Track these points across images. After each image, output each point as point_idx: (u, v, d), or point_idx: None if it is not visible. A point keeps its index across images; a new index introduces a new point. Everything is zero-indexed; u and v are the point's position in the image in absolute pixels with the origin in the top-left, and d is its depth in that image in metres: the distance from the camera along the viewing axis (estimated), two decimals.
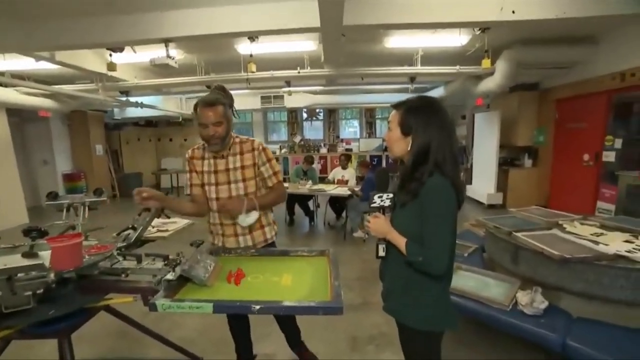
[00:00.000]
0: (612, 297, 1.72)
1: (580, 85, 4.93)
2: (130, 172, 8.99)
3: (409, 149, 1.10)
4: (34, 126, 7.21)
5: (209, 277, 1.20)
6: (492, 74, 5.12)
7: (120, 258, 1.33)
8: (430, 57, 5.21)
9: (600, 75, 4.54)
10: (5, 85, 5.41)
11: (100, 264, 1.29)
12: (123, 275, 1.25)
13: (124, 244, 1.55)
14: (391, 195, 1.15)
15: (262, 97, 8.64)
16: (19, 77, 4.88)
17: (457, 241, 3.04)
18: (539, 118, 6.04)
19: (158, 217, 1.80)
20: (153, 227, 2.01)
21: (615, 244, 1.97)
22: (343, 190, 4.90)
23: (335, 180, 5.53)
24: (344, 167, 5.53)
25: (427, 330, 1.12)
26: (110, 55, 3.77)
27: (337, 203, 5.37)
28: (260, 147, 1.64)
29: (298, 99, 8.37)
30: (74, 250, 1.20)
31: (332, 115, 10.59)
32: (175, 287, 1.16)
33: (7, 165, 5.91)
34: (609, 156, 4.56)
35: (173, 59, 3.53)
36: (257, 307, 0.99)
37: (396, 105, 1.16)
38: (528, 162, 6.19)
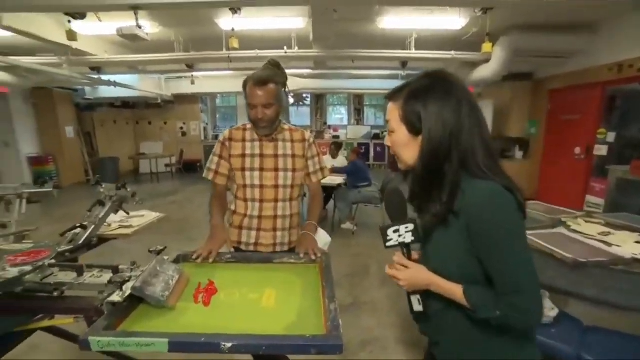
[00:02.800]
0: (630, 305, 1.57)
1: (576, 76, 4.80)
2: (106, 156, 8.43)
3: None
4: None
5: (169, 295, 0.94)
6: (487, 61, 4.92)
7: (55, 270, 1.04)
8: (423, 42, 4.96)
9: (597, 66, 4.41)
10: None
11: (28, 277, 1.00)
12: (56, 293, 0.96)
13: (70, 247, 1.25)
14: (411, 226, 0.81)
15: None
16: None
17: None
18: (532, 109, 5.92)
19: (115, 213, 1.50)
20: (110, 224, 1.70)
21: (628, 245, 1.83)
22: (331, 180, 4.67)
23: None
24: (334, 157, 5.27)
25: None
26: (69, 22, 3.30)
27: (324, 193, 5.14)
28: (311, 139, 1.50)
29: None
30: None
31: (319, 101, 10.25)
32: (123, 311, 0.89)
33: None
34: (601, 150, 4.48)
35: (143, 29, 3.12)
36: (229, 344, 0.74)
37: (392, 94, 0.82)
38: (519, 154, 6.09)
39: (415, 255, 0.89)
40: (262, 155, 1.42)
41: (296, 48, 4.78)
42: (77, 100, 8.10)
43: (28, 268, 1.01)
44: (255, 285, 1.08)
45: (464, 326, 0.78)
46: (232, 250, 1.42)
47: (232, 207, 1.48)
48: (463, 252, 0.74)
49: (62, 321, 1.05)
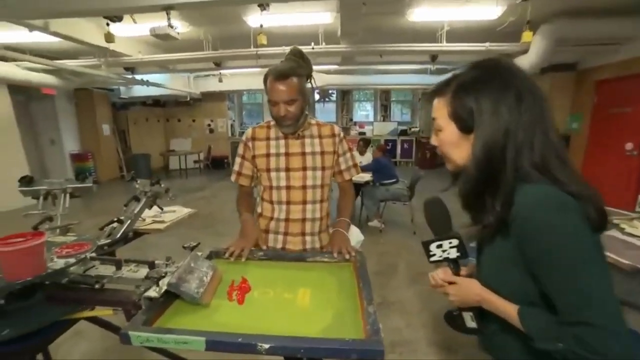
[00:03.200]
0: None
1: (629, 65, 4.41)
2: (138, 152, 8.81)
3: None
4: (40, 105, 7.00)
5: (203, 292, 0.93)
6: (525, 52, 4.63)
7: (96, 263, 1.07)
8: (455, 34, 4.74)
9: None
10: (5, 60, 5.18)
11: (72, 269, 1.04)
12: (97, 285, 0.99)
13: (108, 240, 1.29)
14: (456, 241, 0.75)
15: None
16: (19, 51, 4.61)
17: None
18: (574, 102, 5.53)
19: (150, 208, 1.53)
20: (144, 219, 1.74)
21: None
22: (360, 178, 4.60)
23: None
24: (362, 154, 5.19)
25: None
26: (108, 24, 3.45)
27: None
28: (341, 134, 1.39)
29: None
30: (31, 254, 0.94)
31: (345, 97, 10.14)
32: (160, 306, 0.89)
33: (12, 144, 5.74)
34: None
35: (175, 28, 3.19)
36: (266, 345, 0.72)
37: (438, 89, 0.74)
38: None
39: (464, 270, 0.81)
40: (287, 154, 1.32)
41: (323, 44, 4.73)
42: (113, 100, 8.51)
43: (72, 260, 1.04)
44: (288, 283, 1.05)
45: (526, 353, 0.68)
46: (265, 247, 1.38)
47: (259, 210, 1.40)
48: (513, 267, 0.66)
49: (102, 312, 1.08)
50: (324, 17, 4.29)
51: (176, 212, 1.96)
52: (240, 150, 1.40)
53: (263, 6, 3.14)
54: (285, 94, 1.20)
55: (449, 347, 2.12)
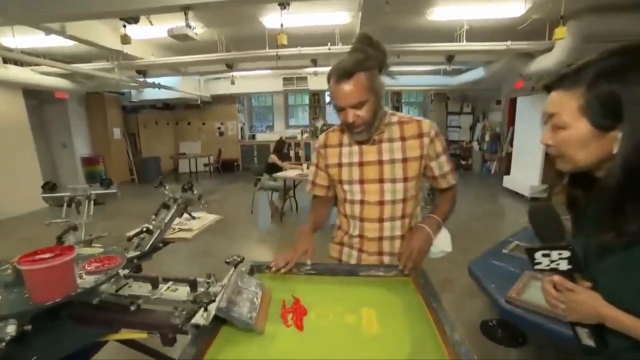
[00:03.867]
0: None
1: None
2: (148, 156, 8.77)
3: (614, 150, 0.58)
4: (52, 109, 7.01)
5: (257, 317, 0.81)
6: (549, 50, 4.48)
7: (130, 280, 0.95)
8: (474, 33, 4.60)
9: None
10: (22, 65, 5.17)
11: (103, 287, 0.92)
12: (132, 307, 0.87)
13: (137, 252, 1.17)
14: (567, 253, 0.65)
15: (285, 79, 8.20)
16: (34, 56, 4.59)
17: (519, 242, 2.44)
18: None
19: (180, 216, 1.42)
20: (173, 228, 1.63)
21: None
22: None
23: None
24: None
25: None
26: (124, 26, 3.39)
27: None
28: (433, 132, 1.09)
29: (323, 80, 7.78)
30: (61, 272, 0.82)
31: None
32: (209, 334, 0.77)
33: (25, 148, 5.73)
34: None
35: (193, 29, 3.11)
36: None
37: (559, 80, 0.64)
38: None
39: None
40: (362, 164, 1.11)
41: (340, 44, 4.63)
42: (123, 103, 8.50)
43: (102, 277, 0.93)
44: (348, 303, 0.92)
45: None
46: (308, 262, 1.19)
47: (337, 221, 1.26)
48: None
49: (136, 335, 0.96)
50: (342, 17, 4.20)
51: (202, 218, 1.85)
52: (314, 158, 1.24)
53: (284, 5, 3.04)
54: (351, 96, 0.99)
55: None
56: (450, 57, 5.82)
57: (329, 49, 4.59)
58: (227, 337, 0.79)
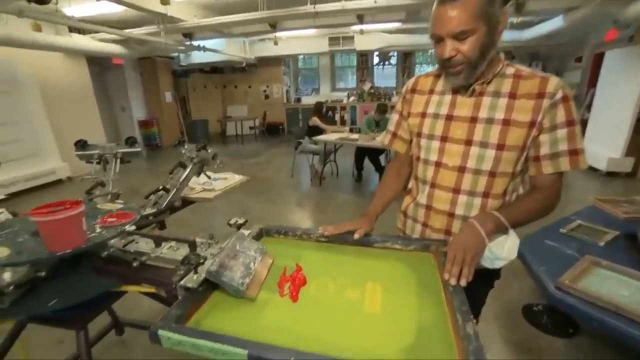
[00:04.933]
0: None
1: None
2: (197, 119, 9.16)
3: None
4: (112, 75, 7.51)
5: (249, 283, 0.76)
6: None
7: (137, 237, 0.95)
8: None
9: None
10: (83, 33, 5.52)
11: (113, 241, 0.94)
12: (135, 263, 0.87)
13: (154, 210, 1.19)
14: None
15: (330, 38, 7.80)
16: (92, 23, 4.86)
17: (583, 222, 2.11)
18: None
19: (197, 176, 1.41)
20: (193, 188, 1.64)
21: None
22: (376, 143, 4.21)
23: None
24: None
25: None
26: None
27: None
28: (560, 95, 0.79)
29: (370, 39, 7.33)
30: (69, 225, 0.84)
31: (407, 60, 9.29)
32: (198, 298, 0.74)
33: (91, 112, 6.28)
34: None
35: None
36: None
37: None
38: None
39: None
40: (449, 118, 0.89)
41: None
42: (173, 68, 8.81)
43: (112, 232, 0.94)
44: (353, 276, 0.84)
45: None
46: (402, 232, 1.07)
47: (410, 184, 1.06)
48: None
49: (146, 289, 0.98)
50: None
51: (228, 179, 1.85)
52: (398, 105, 1.03)
53: None
54: (453, 22, 0.74)
55: (529, 349, 1.81)
56: (519, 5, 4.98)
57: (375, 2, 4.17)
58: (216, 302, 0.75)
